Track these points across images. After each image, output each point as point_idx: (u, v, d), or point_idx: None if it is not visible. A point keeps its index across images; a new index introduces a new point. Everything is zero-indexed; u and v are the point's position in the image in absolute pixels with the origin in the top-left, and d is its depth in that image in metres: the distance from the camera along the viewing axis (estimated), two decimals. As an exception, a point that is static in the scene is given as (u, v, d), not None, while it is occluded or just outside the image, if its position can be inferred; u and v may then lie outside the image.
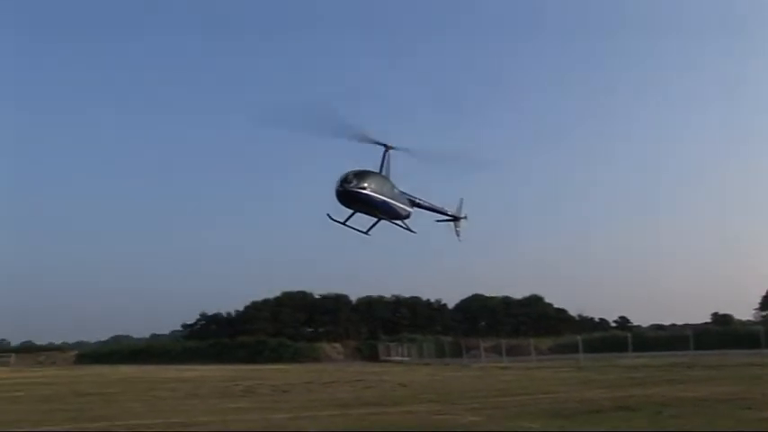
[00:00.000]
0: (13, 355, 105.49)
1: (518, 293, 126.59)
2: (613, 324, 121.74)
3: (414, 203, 38.92)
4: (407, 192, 38.11)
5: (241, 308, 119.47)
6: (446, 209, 43.50)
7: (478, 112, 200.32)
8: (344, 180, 33.25)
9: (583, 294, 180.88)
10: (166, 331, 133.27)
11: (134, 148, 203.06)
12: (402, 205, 37.11)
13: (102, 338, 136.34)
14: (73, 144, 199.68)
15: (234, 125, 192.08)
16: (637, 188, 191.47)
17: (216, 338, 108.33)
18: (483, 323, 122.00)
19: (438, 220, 43.37)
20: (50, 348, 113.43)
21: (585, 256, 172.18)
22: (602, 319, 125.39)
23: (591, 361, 60.47)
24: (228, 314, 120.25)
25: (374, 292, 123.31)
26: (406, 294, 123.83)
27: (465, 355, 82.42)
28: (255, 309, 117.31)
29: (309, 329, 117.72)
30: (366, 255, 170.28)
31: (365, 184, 33.41)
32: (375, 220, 36.70)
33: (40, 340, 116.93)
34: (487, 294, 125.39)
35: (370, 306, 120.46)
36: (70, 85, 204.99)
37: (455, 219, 44.20)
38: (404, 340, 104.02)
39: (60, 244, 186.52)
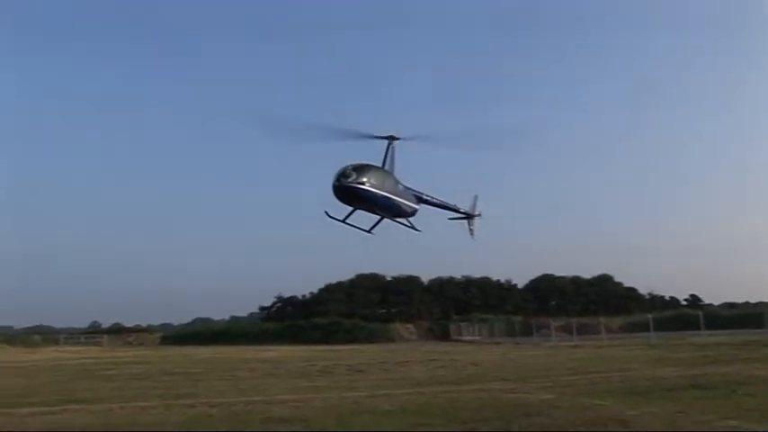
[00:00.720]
0: (104, 336, 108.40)
1: (587, 273, 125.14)
2: (684, 302, 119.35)
3: (421, 200, 36.98)
4: (413, 187, 36.09)
5: (316, 290, 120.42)
6: (458, 206, 41.78)
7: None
8: (342, 175, 31.19)
9: (653, 273, 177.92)
10: (245, 314, 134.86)
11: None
12: (407, 202, 35.08)
13: (185, 321, 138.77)
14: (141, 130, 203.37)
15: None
16: (712, 167, 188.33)
17: (292, 320, 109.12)
18: (553, 303, 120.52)
19: (451, 218, 42.02)
20: (138, 330, 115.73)
21: (655, 235, 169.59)
22: (672, 298, 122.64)
23: (662, 339, 59.53)
24: (304, 296, 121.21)
25: (445, 274, 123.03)
26: (477, 275, 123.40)
27: (535, 334, 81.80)
28: (330, 291, 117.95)
29: (382, 310, 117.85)
30: (436, 237, 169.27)
31: (364, 179, 31.32)
32: (378, 217, 34.72)
33: (129, 322, 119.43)
34: (557, 274, 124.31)
35: (442, 287, 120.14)
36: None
37: (468, 216, 42.76)
38: (475, 320, 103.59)
39: (146, 234, 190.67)
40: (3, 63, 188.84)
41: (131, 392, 25.49)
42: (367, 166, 32.11)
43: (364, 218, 34.37)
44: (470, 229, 42.99)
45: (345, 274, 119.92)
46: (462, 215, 42.32)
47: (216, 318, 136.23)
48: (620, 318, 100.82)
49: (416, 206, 36.22)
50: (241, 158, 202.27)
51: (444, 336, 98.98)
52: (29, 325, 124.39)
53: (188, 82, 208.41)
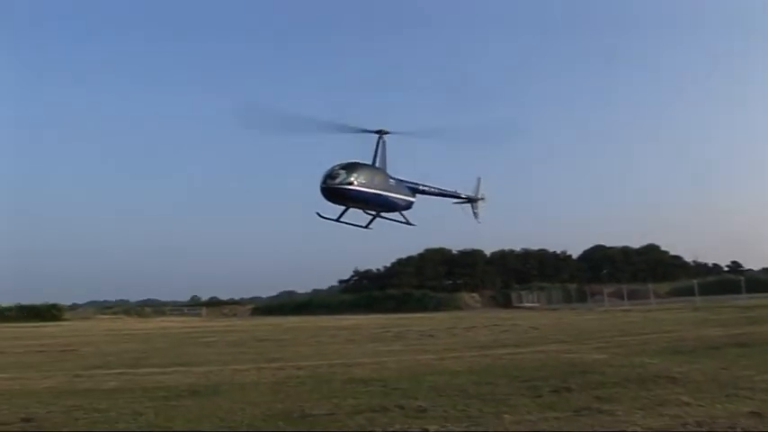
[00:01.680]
0: (203, 308, 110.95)
1: (636, 243, 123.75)
2: (726, 268, 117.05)
3: (417, 191, 34.41)
4: (406, 179, 33.77)
5: (389, 264, 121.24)
6: (459, 192, 38.52)
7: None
8: (329, 176, 29.31)
9: (696, 241, 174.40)
10: (325, 286, 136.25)
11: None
12: (399, 196, 32.76)
13: (272, 294, 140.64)
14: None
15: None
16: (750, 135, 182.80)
17: (368, 291, 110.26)
18: (605, 271, 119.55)
19: (455, 203, 38.93)
20: (232, 303, 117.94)
21: (700, 205, 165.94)
22: (715, 264, 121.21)
23: (706, 303, 58.46)
24: (378, 270, 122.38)
25: (506, 247, 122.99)
26: (535, 247, 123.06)
27: (589, 300, 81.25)
28: (401, 265, 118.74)
29: (449, 281, 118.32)
30: (497, 212, 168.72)
31: (352, 179, 29.36)
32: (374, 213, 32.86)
33: (224, 296, 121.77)
34: (608, 245, 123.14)
35: (503, 259, 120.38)
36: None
37: (470, 200, 39.32)
38: (534, 288, 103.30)
39: (236, 221, 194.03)
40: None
41: (228, 357, 26.21)
42: (355, 164, 30.22)
43: (360, 215, 33.02)
44: (474, 213, 39.59)
45: (415, 249, 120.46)
46: (464, 200, 39.09)
47: (300, 291, 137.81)
48: (666, 284, 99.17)
49: (411, 198, 33.91)
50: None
51: (506, 303, 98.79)
52: (140, 298, 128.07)
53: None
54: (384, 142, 32.22)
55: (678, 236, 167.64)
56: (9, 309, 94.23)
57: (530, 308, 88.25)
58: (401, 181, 33.15)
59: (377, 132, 32.19)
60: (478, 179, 39.87)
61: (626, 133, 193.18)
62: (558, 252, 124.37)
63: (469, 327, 42.96)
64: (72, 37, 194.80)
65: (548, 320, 48.37)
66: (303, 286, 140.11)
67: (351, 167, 29.75)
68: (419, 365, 20.67)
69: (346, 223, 31.95)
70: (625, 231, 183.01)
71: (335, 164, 29.70)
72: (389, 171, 32.43)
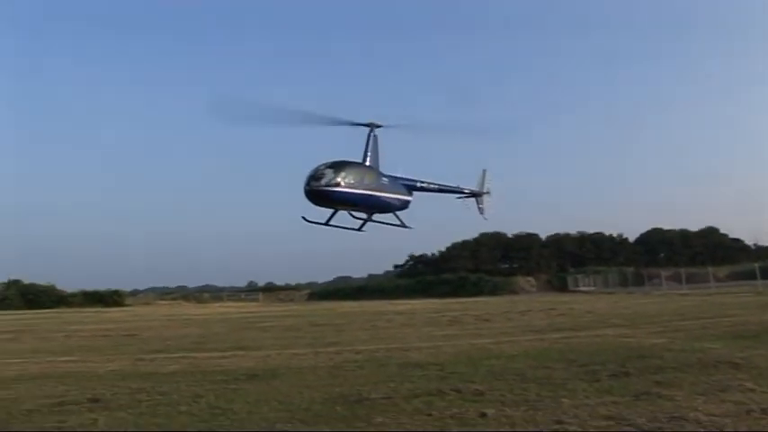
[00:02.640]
0: (260, 293, 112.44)
1: (694, 226, 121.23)
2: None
3: (414, 188, 31.81)
4: (403, 176, 31.27)
5: (444, 248, 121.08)
6: (462, 187, 35.52)
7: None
8: (313, 177, 27.10)
9: (757, 224, 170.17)
10: (380, 271, 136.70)
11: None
12: (393, 195, 30.23)
13: (328, 279, 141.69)
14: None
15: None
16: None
17: (423, 276, 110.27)
18: (662, 255, 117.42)
19: (459, 198, 35.94)
20: (288, 288, 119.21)
21: (760, 187, 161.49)
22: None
23: (769, 286, 57.16)
24: (433, 254, 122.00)
25: (561, 230, 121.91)
26: (590, 231, 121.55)
27: (646, 283, 79.88)
28: (456, 249, 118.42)
29: (505, 265, 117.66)
30: (552, 196, 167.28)
31: (338, 180, 27.13)
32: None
33: (280, 281, 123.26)
34: (665, 228, 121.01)
35: (559, 242, 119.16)
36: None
37: (474, 195, 36.14)
38: (590, 272, 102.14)
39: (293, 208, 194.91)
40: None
41: (285, 341, 26.54)
42: (341, 163, 28.03)
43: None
44: (479, 208, 36.38)
45: (470, 233, 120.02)
46: (467, 194, 36.02)
47: (355, 276, 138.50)
48: (726, 267, 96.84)
49: (408, 197, 31.36)
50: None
51: (562, 287, 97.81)
52: (199, 285, 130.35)
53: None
54: (376, 137, 30.05)
55: (738, 219, 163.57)
56: (74, 295, 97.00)
57: (586, 292, 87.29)
58: (396, 178, 30.78)
59: (367, 125, 30.02)
60: (483, 171, 36.96)
61: (682, 115, 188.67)
62: (615, 235, 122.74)
63: (525, 311, 42.75)
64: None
65: (604, 304, 47.80)
66: (358, 271, 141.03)
67: (337, 166, 27.62)
68: (475, 349, 20.67)
69: (336, 227, 29.84)
70: (683, 214, 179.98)
71: (320, 163, 27.61)
72: (383, 168, 30.31)
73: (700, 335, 21.73)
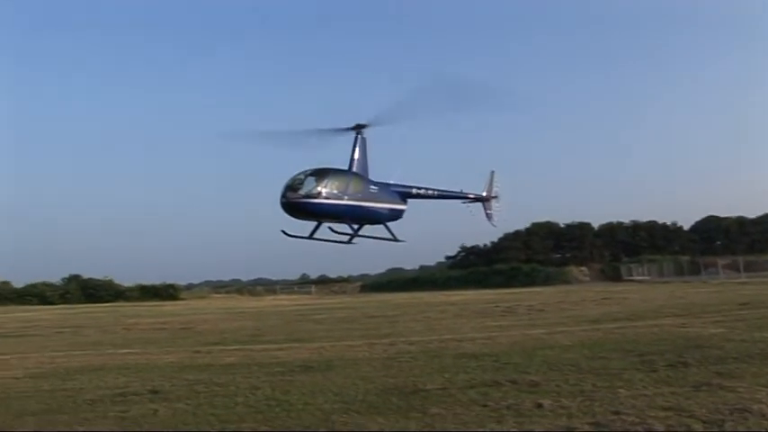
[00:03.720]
0: (313, 286, 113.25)
1: (751, 213, 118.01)
2: None
3: (410, 195, 29.08)
4: (398, 181, 28.79)
5: (495, 239, 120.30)
6: (466, 192, 32.14)
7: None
8: (289, 187, 24.87)
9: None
10: (433, 262, 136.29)
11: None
12: (384, 205, 27.68)
13: (380, 271, 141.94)
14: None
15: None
16: None
17: (475, 267, 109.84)
18: (718, 243, 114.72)
19: (464, 203, 32.58)
20: (340, 280, 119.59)
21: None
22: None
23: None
24: (485, 245, 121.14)
25: (614, 219, 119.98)
26: (644, 219, 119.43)
27: (703, 272, 78.38)
28: (508, 239, 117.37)
29: (557, 255, 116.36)
30: (604, 185, 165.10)
31: (318, 190, 24.88)
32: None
33: (332, 274, 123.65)
34: (721, 215, 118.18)
35: (612, 231, 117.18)
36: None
37: (480, 200, 32.57)
38: (644, 261, 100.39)
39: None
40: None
41: (339, 333, 26.73)
42: (322, 170, 25.66)
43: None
44: (487, 214, 32.78)
45: (521, 223, 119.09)
46: (472, 199, 32.47)
47: (407, 267, 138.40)
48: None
49: (401, 206, 28.62)
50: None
51: (615, 276, 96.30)
52: (252, 278, 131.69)
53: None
54: (364, 139, 27.67)
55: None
56: (131, 289, 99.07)
57: (640, 281, 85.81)
58: (387, 185, 28.35)
59: (353, 129, 27.57)
60: (491, 173, 33.47)
61: (737, 99, 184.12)
62: (669, 223, 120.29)
63: (579, 301, 42.35)
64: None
65: (659, 294, 47.01)
66: (410, 263, 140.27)
67: (318, 174, 25.39)
68: (530, 340, 20.57)
69: (322, 240, 27.49)
70: (739, 200, 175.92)
71: (299, 171, 25.42)
72: (374, 173, 27.92)
73: (761, 325, 21.20)
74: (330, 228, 27.00)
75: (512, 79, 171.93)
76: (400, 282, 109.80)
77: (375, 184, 27.43)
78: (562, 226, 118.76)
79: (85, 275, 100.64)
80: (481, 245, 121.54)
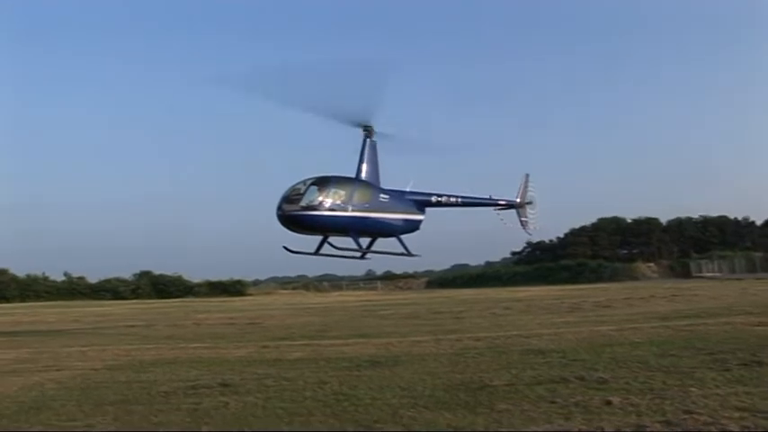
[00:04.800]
0: (379, 282, 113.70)
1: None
2: None
3: (429, 204, 27.03)
4: (416, 189, 26.89)
5: (561, 235, 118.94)
6: (496, 198, 29.89)
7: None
8: (286, 199, 23.00)
9: None
10: (498, 258, 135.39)
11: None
12: (397, 215, 25.65)
13: (446, 267, 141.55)
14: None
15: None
16: None
17: (541, 263, 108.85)
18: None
19: (496, 210, 30.33)
20: (406, 276, 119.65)
21: None
22: None
23: None
24: (551, 241, 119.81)
25: (683, 214, 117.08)
26: (713, 214, 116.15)
27: (777, 269, 75.99)
28: (574, 235, 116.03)
29: (624, 251, 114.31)
30: (672, 178, 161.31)
31: (319, 201, 22.89)
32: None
33: (398, 270, 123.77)
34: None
35: (680, 226, 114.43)
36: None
37: (513, 206, 30.23)
38: (714, 257, 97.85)
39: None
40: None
41: (406, 329, 26.77)
42: (324, 179, 23.59)
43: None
44: (521, 222, 30.44)
45: (587, 219, 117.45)
46: (504, 206, 30.17)
47: (472, 263, 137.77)
48: None
49: (417, 216, 26.60)
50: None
51: (685, 273, 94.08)
52: (318, 274, 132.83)
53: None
54: (374, 143, 25.68)
55: None
56: (200, 285, 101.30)
57: (710, 278, 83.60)
58: (402, 193, 26.35)
59: (363, 129, 25.59)
60: (525, 177, 30.87)
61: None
62: (740, 218, 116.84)
63: (647, 297, 41.52)
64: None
65: (731, 291, 45.67)
66: (476, 259, 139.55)
67: (319, 183, 23.34)
68: (597, 336, 20.28)
69: (331, 255, 25.71)
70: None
71: (299, 180, 23.55)
72: (386, 180, 26.09)
73: (840, 322, 20.51)
74: (331, 243, 25.17)
75: (577, 72, 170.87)
76: (466, 278, 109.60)
77: (386, 192, 25.52)
78: (629, 221, 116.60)
79: (156, 272, 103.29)
80: (547, 240, 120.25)
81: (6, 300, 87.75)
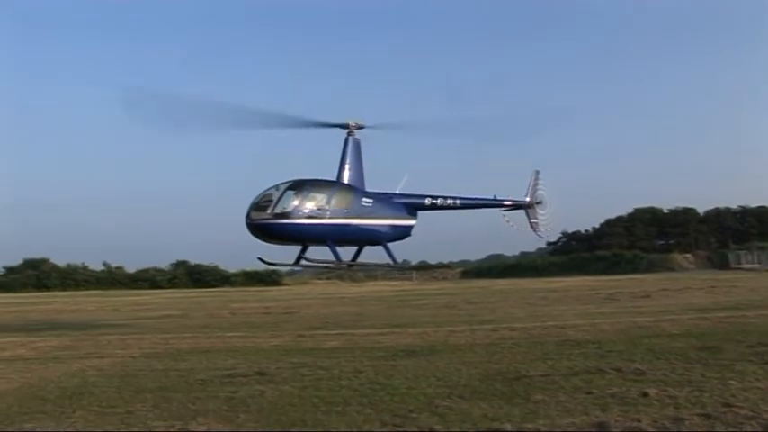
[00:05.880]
0: (414, 272, 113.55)
1: None
2: None
3: (423, 207, 24.35)
4: (408, 191, 24.20)
5: (597, 225, 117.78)
6: (501, 199, 26.63)
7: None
8: (255, 206, 21.06)
9: None
10: (533, 249, 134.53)
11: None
12: (382, 221, 23.26)
13: (481, 257, 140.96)
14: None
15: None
16: None
17: (576, 253, 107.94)
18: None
19: (504, 211, 27.05)
20: (441, 266, 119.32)
21: None
22: None
23: None
24: (586, 231, 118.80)
25: (721, 204, 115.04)
26: (753, 204, 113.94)
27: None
28: (610, 225, 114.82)
29: (660, 242, 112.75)
30: (711, 168, 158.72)
31: (291, 208, 20.80)
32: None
33: (432, 260, 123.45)
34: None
35: (718, 217, 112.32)
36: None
37: (521, 207, 26.91)
38: (753, 248, 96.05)
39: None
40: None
41: (441, 319, 26.76)
42: (297, 183, 21.48)
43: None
44: (531, 224, 27.24)
45: (623, 209, 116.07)
46: (510, 207, 26.98)
47: (507, 253, 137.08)
48: None
49: (407, 221, 24.02)
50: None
51: (723, 264, 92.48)
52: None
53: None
54: (357, 141, 23.43)
55: None
56: (236, 275, 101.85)
57: (749, 269, 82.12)
58: (390, 196, 23.95)
59: (343, 127, 23.32)
60: (534, 173, 27.76)
61: None
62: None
63: (684, 288, 41.07)
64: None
65: (771, 282, 44.97)
66: (511, 249, 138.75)
67: (293, 188, 21.33)
68: (634, 327, 20.07)
69: (311, 266, 24.29)
70: None
71: (272, 185, 21.61)
72: (372, 182, 23.80)
73: None
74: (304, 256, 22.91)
75: (613, 58, 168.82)
76: (501, 268, 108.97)
77: (371, 196, 23.23)
78: (666, 212, 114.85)
79: (192, 261, 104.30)
80: (582, 231, 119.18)
81: (47, 288, 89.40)
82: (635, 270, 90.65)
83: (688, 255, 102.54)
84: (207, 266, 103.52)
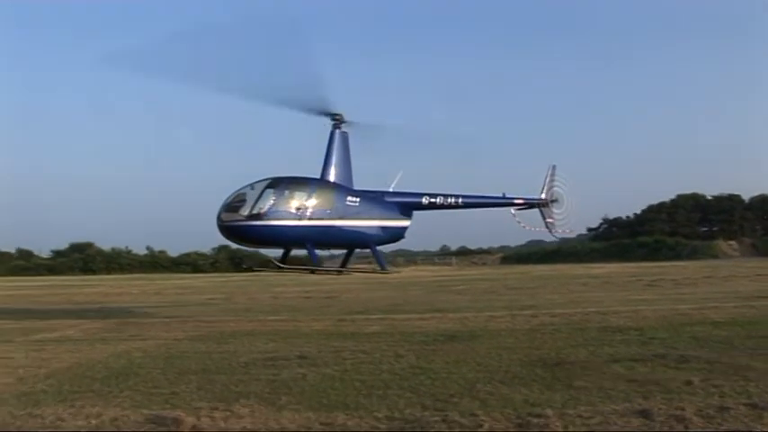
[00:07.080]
0: (453, 257, 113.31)
1: None
2: None
3: (419, 207, 22.77)
4: (402, 190, 22.69)
5: (639, 211, 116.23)
6: (510, 197, 24.52)
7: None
8: (227, 206, 19.77)
9: None
10: (573, 234, 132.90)
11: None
12: (370, 222, 21.67)
13: (521, 242, 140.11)
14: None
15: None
16: None
17: (617, 239, 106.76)
18: None
19: (516, 210, 24.79)
20: (480, 252, 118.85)
21: None
22: None
23: None
24: (628, 217, 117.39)
25: (767, 190, 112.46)
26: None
27: None
28: (652, 212, 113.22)
29: (704, 229, 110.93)
30: (757, 152, 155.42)
31: (265, 208, 19.44)
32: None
33: (472, 245, 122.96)
34: None
35: (764, 203, 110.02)
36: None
37: (534, 205, 24.80)
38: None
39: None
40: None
41: (481, 304, 26.63)
42: (274, 181, 20.11)
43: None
44: (546, 223, 25.08)
45: (666, 195, 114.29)
46: (523, 205, 24.84)
47: (548, 239, 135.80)
48: None
49: (399, 222, 22.48)
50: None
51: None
52: (393, 249, 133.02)
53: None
54: (345, 135, 21.84)
55: None
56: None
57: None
58: (381, 194, 22.38)
59: (332, 118, 21.67)
60: (551, 168, 25.35)
61: None
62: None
63: (728, 276, 40.35)
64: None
65: (821, 269, 43.95)
66: (551, 235, 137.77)
67: (269, 187, 19.95)
68: (677, 315, 19.74)
69: (297, 270, 23.50)
70: None
71: (246, 184, 20.26)
72: (362, 177, 22.40)
73: None
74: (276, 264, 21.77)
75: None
76: (541, 254, 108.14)
77: (358, 194, 21.68)
78: (709, 198, 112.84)
79: (234, 246, 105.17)
80: (624, 217, 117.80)
81: (93, 272, 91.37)
82: (677, 257, 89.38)
83: (732, 242, 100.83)
84: (248, 251, 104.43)
